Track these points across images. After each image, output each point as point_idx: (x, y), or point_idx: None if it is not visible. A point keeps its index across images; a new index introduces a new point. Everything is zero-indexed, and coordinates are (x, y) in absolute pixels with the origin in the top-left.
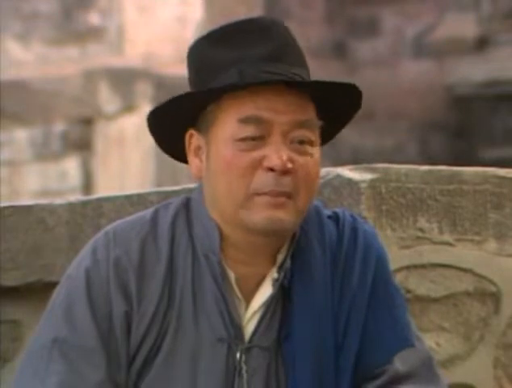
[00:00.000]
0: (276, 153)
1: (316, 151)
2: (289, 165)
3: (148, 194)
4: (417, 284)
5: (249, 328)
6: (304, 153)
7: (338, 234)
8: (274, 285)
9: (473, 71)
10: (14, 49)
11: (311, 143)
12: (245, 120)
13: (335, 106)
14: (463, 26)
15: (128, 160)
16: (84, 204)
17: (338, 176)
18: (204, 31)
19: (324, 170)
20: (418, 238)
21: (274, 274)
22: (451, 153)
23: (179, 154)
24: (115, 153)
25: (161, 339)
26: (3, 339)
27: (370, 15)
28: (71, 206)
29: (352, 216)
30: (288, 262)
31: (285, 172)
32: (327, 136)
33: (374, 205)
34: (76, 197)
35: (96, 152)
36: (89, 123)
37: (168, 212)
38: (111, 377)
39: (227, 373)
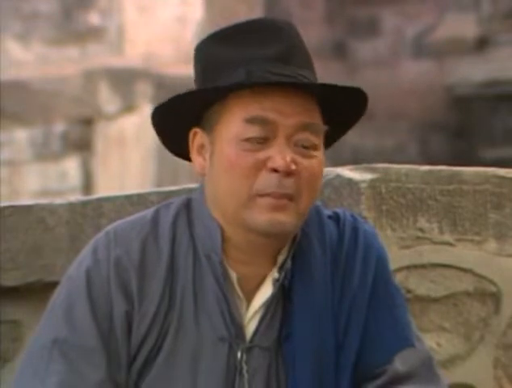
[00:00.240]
0: (280, 155)
1: (319, 154)
2: (293, 166)
3: (149, 194)
4: (418, 284)
5: (250, 328)
6: (307, 156)
7: (339, 233)
8: (274, 285)
9: (473, 71)
10: (14, 49)
11: (315, 147)
12: (250, 121)
13: (340, 109)
14: (463, 26)
15: (128, 160)
16: (84, 204)
17: (338, 176)
18: (205, 32)
19: (324, 170)
20: (418, 238)
21: (274, 274)
22: (451, 154)
23: (182, 152)
24: (115, 154)
25: (161, 338)
26: (3, 340)
27: (370, 15)
28: (71, 206)
29: (353, 216)
30: (289, 262)
31: (288, 174)
32: (331, 139)
33: (374, 205)
34: (76, 197)
35: (96, 152)
36: (89, 123)
37: (169, 212)
38: (111, 377)
39: (228, 372)
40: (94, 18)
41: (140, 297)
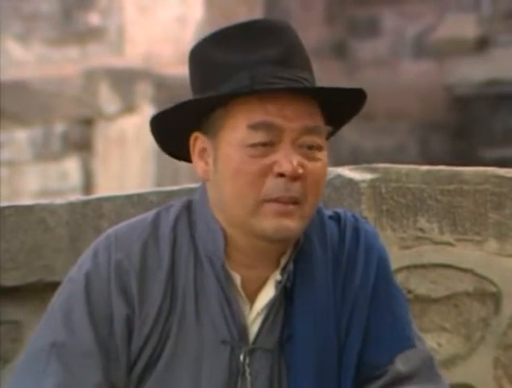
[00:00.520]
0: (287, 159)
1: (323, 156)
2: (300, 170)
3: (149, 194)
4: (418, 285)
5: (252, 330)
6: (312, 159)
7: (340, 234)
8: (276, 287)
9: (473, 71)
10: (15, 49)
11: (319, 148)
12: (255, 126)
13: (339, 109)
14: (463, 26)
15: (128, 160)
16: (84, 204)
17: (339, 176)
18: (205, 32)
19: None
20: (419, 238)
21: (277, 276)
22: (452, 154)
23: (181, 156)
24: (116, 154)
25: (163, 342)
26: (3, 340)
27: (370, 15)
28: (71, 206)
29: (354, 216)
30: (291, 265)
31: (295, 178)
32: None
33: (374, 205)
34: (76, 197)
35: (96, 152)
36: (89, 123)
37: (169, 215)
38: (108, 381)
39: (230, 374)
40: (94, 19)
41: (140, 300)
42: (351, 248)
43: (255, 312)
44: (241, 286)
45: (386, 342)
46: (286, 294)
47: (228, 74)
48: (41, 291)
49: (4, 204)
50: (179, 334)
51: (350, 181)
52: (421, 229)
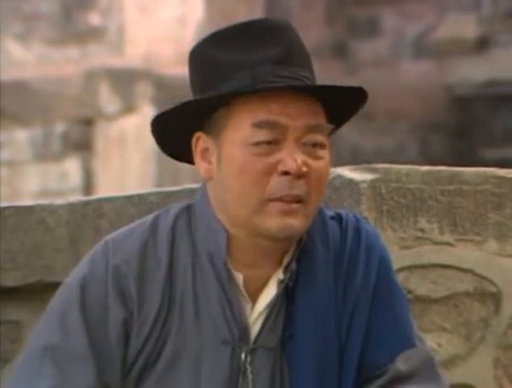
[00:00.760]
0: (291, 157)
1: (326, 154)
2: (304, 168)
3: (149, 194)
4: (418, 285)
5: (254, 329)
6: (316, 157)
7: (341, 234)
8: (279, 286)
9: (473, 71)
10: (15, 49)
11: (322, 146)
12: (258, 125)
13: (339, 107)
14: (463, 26)
15: (128, 161)
16: (84, 204)
17: (339, 176)
18: (205, 32)
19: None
20: (419, 238)
21: (279, 275)
22: (452, 154)
23: (182, 157)
24: (116, 154)
25: (161, 342)
26: (3, 340)
27: (370, 15)
28: (71, 206)
29: (355, 217)
30: (294, 264)
31: (300, 176)
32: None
33: (374, 206)
34: (76, 198)
35: (96, 152)
36: (89, 123)
37: (168, 217)
38: (101, 384)
39: (231, 373)
40: (94, 19)
41: (139, 302)
42: (353, 249)
43: (257, 311)
44: (243, 286)
45: (387, 342)
46: (287, 293)
47: (229, 74)
48: (41, 291)
49: (4, 204)
50: (179, 334)
51: (350, 181)
52: (422, 230)
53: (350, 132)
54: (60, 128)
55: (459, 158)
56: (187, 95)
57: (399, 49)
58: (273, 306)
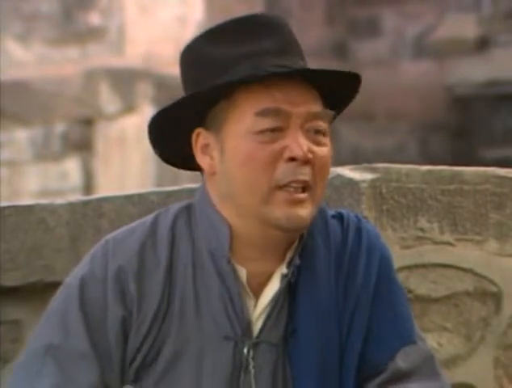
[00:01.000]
0: (297, 143)
1: (328, 141)
2: (310, 155)
3: (149, 194)
4: (418, 285)
5: (257, 324)
6: (319, 144)
7: (343, 234)
8: (282, 281)
9: (473, 71)
10: (15, 49)
11: (324, 133)
12: (262, 113)
13: (336, 95)
14: (463, 26)
15: (128, 160)
16: (84, 204)
17: (339, 176)
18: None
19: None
20: (419, 238)
21: (283, 270)
22: (452, 154)
23: (178, 162)
24: (116, 154)
25: (160, 340)
26: (3, 340)
27: (370, 16)
28: (71, 206)
29: (356, 216)
30: (298, 259)
31: (305, 162)
32: None
33: (374, 205)
34: (76, 197)
35: (97, 152)
36: (89, 123)
37: (168, 217)
38: (102, 382)
39: (233, 368)
40: (94, 19)
41: (138, 301)
42: (354, 248)
43: (260, 306)
44: (246, 281)
45: (387, 340)
46: (290, 290)
47: (227, 67)
48: (41, 291)
49: (4, 204)
50: (180, 333)
51: (351, 181)
52: (422, 229)
53: (350, 132)
54: (60, 128)
55: (459, 158)
56: None
57: (399, 49)
58: (276, 301)
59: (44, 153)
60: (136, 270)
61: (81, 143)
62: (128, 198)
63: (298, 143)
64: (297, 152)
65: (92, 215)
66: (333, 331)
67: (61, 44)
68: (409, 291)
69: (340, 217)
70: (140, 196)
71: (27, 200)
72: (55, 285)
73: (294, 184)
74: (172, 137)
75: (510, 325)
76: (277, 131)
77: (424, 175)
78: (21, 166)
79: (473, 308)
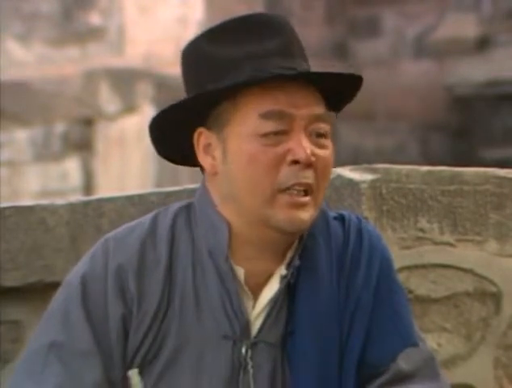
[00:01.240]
0: (300, 146)
1: (330, 143)
2: (313, 158)
3: (149, 194)
4: (418, 285)
5: (256, 324)
6: (321, 146)
7: (344, 235)
8: (281, 282)
9: (473, 71)
10: (15, 49)
11: (326, 135)
12: (265, 116)
13: (337, 95)
14: (463, 26)
15: (128, 161)
16: (85, 204)
17: (339, 177)
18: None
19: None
20: (419, 238)
21: (282, 270)
22: (452, 154)
23: (178, 158)
24: (116, 154)
25: (160, 339)
26: (3, 340)
27: (370, 16)
28: (72, 206)
29: (358, 218)
30: (297, 260)
31: (308, 165)
32: None
33: (375, 206)
34: (77, 197)
35: (97, 152)
36: (89, 123)
37: (167, 216)
38: (107, 380)
39: (232, 368)
40: (94, 19)
41: (138, 300)
42: (355, 250)
43: (259, 306)
44: (244, 281)
45: (388, 341)
46: (289, 290)
47: (230, 68)
48: (41, 291)
49: (4, 204)
50: (179, 331)
51: (351, 181)
52: (422, 230)
53: (350, 132)
54: (60, 128)
55: (460, 158)
56: None
57: (399, 49)
58: (275, 302)
59: (44, 154)
60: (136, 268)
61: (81, 143)
62: (129, 198)
63: (301, 146)
64: (300, 155)
65: (92, 215)
66: (334, 332)
67: (61, 44)
68: (409, 291)
69: (341, 218)
70: (141, 196)
71: (27, 201)
72: (55, 285)
73: (297, 187)
74: (173, 136)
75: (510, 325)
76: (280, 134)
77: (424, 176)
78: (21, 166)
79: (473, 308)
